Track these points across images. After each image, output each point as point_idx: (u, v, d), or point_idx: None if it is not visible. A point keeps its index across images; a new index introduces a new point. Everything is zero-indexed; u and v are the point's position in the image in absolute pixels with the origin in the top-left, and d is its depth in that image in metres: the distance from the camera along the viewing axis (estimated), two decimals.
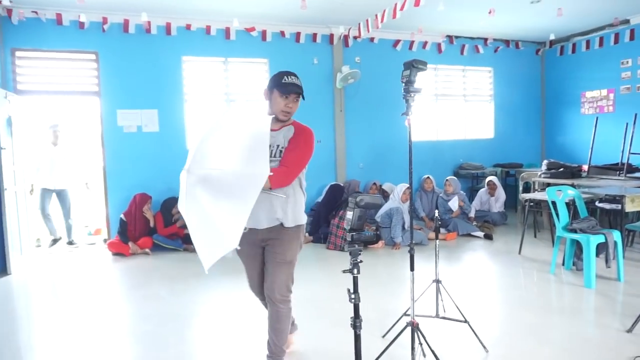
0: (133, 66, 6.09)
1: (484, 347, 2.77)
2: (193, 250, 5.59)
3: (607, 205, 4.63)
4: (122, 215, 5.71)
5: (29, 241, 5.54)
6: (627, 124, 5.89)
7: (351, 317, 1.50)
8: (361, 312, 3.35)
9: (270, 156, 2.13)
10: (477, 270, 4.64)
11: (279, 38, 6.75)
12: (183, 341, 3.09)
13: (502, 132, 8.36)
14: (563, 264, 4.46)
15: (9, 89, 5.42)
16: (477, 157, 7.97)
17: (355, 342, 1.50)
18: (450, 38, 7.72)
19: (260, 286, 2.46)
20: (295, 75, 2.25)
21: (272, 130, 2.11)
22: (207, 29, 6.35)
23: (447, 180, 6.49)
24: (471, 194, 7.55)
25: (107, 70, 5.99)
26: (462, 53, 7.84)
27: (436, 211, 3.11)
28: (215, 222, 1.89)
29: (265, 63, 6.77)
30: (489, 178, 6.74)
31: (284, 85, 2.19)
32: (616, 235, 3.97)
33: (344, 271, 1.50)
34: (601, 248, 4.00)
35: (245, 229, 1.91)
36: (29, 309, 3.89)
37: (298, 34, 6.82)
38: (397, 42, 7.34)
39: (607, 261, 3.93)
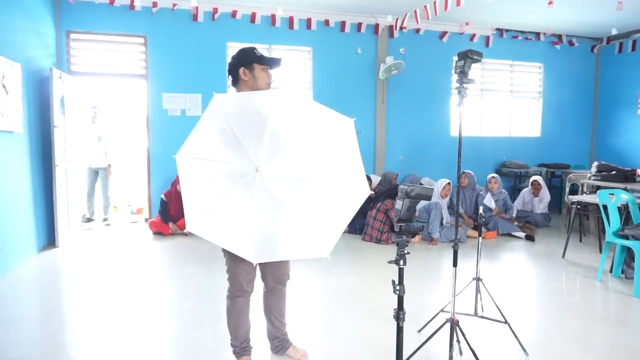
0: (179, 51, 6.22)
1: (524, 349, 2.68)
2: None
3: None
4: (162, 196, 5.87)
5: (77, 217, 5.79)
6: None
7: (394, 309, 1.48)
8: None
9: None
10: (518, 271, 4.49)
11: (323, 27, 6.71)
12: (218, 320, 3.15)
13: (549, 131, 8.03)
14: (611, 271, 4.26)
15: (63, 70, 5.65)
16: (521, 156, 7.71)
17: (398, 334, 1.47)
18: (500, 31, 7.45)
19: (254, 279, 2.36)
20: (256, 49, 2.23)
21: None
22: (252, 16, 6.38)
23: (492, 177, 6.31)
24: (512, 193, 7.33)
25: (154, 54, 6.14)
26: (512, 47, 7.56)
27: (480, 208, 3.02)
28: (304, 227, 1.80)
29: (308, 51, 6.75)
30: (533, 177, 6.50)
31: (263, 58, 2.15)
32: None
33: (390, 262, 1.47)
34: None
35: None
36: (75, 282, 4.07)
37: (343, 23, 6.75)
38: (444, 34, 7.15)
39: None
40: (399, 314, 1.46)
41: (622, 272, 4.16)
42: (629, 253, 4.07)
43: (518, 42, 7.57)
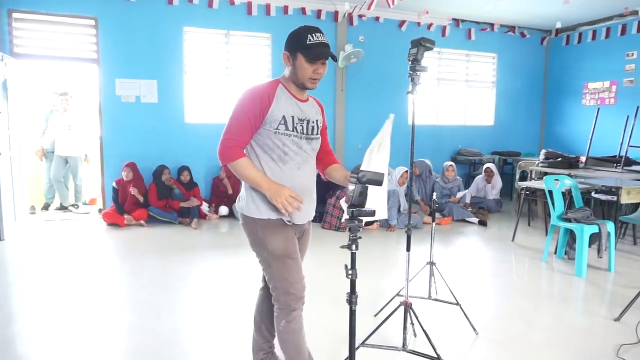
0: (133, 35, 5.98)
1: (474, 329, 2.81)
2: (188, 224, 5.61)
3: (602, 197, 4.66)
4: (114, 183, 5.71)
5: (23, 208, 5.53)
6: (627, 116, 5.88)
7: (347, 293, 1.51)
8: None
9: (309, 133, 1.90)
10: (471, 255, 4.68)
11: (283, 13, 6.63)
12: (175, 311, 3.11)
13: (502, 120, 8.33)
14: (555, 253, 4.51)
15: (5, 52, 5.32)
16: (475, 144, 7.97)
17: (350, 317, 1.51)
18: (456, 21, 7.61)
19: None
20: (320, 32, 1.80)
21: (301, 101, 1.89)
22: (210, 1, 6.22)
23: (450, 165, 6.49)
24: (468, 180, 7.57)
25: (106, 38, 5.88)
26: (468, 37, 7.75)
27: (434, 194, 3.11)
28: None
29: (267, 38, 6.66)
30: (486, 165, 6.74)
31: (310, 48, 1.75)
32: (610, 226, 4.00)
33: (342, 246, 1.50)
34: (594, 238, 4.03)
35: (289, 222, 1.87)
36: (22, 275, 3.89)
37: (302, 10, 6.70)
38: (403, 22, 7.24)
39: (599, 251, 3.97)
40: (352, 298, 1.49)
41: (566, 253, 4.40)
42: (571, 235, 4.32)
43: (474, 33, 7.77)
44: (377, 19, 7.10)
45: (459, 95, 8.05)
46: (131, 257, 4.38)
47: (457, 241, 5.21)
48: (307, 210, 1.93)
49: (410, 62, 2.26)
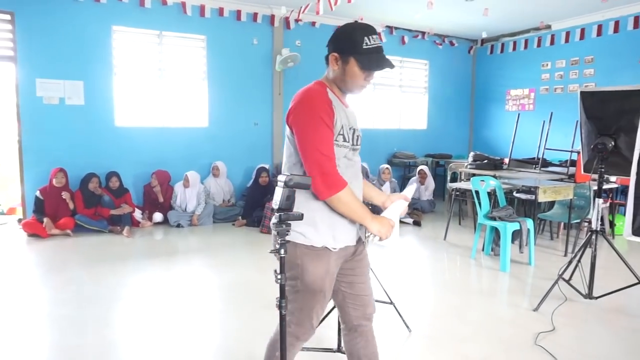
0: (56, 32, 5.62)
1: (408, 327, 2.90)
2: (119, 232, 5.34)
3: (523, 196, 5.00)
4: (37, 192, 5.32)
5: None
6: (544, 121, 6.36)
7: (276, 298, 1.50)
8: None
9: (355, 143, 1.67)
10: (405, 255, 4.83)
11: (218, 15, 6.52)
12: (105, 325, 2.95)
13: (434, 124, 8.71)
14: (483, 250, 4.77)
15: None
16: (410, 147, 8.26)
17: (281, 323, 1.50)
18: (390, 29, 7.87)
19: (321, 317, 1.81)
20: (376, 33, 1.60)
21: (346, 106, 1.67)
22: (141, 0, 5.99)
23: (386, 168, 6.68)
24: (403, 182, 7.83)
25: (25, 34, 5.47)
26: (402, 44, 8.03)
27: None
28: None
29: (202, 40, 6.52)
30: (420, 167, 7.01)
31: (367, 54, 1.55)
32: (529, 223, 4.29)
33: (271, 251, 1.49)
34: (516, 235, 4.31)
35: (334, 248, 1.62)
36: None
37: (238, 12, 6.62)
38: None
39: (520, 247, 4.25)
40: (282, 303, 1.49)
41: (492, 250, 4.67)
42: (496, 233, 4.59)
43: (406, 40, 8.06)
44: (313, 24, 7.18)
45: (394, 100, 8.32)
46: (54, 270, 4.09)
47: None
48: (356, 229, 1.71)
49: None
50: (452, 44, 8.60)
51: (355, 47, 1.54)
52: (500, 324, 3.07)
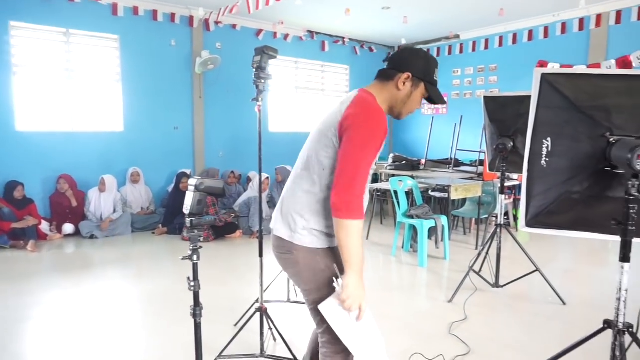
0: None
1: None
2: (23, 247, 4.89)
3: (438, 194, 5.30)
4: None
5: None
6: (455, 124, 6.79)
7: (190, 306, 1.46)
8: (216, 302, 3.29)
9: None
10: None
11: (132, 14, 6.21)
12: (4, 350, 2.68)
13: None
14: (402, 247, 4.98)
15: None
16: None
17: (196, 331, 1.46)
18: (311, 33, 7.98)
19: None
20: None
21: None
22: None
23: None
24: None
25: None
26: (322, 49, 8.17)
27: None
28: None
29: (115, 40, 6.17)
30: None
31: (436, 86, 1.63)
32: (444, 220, 4.56)
33: (184, 258, 1.45)
34: (432, 231, 4.56)
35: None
36: None
37: (154, 12, 6.35)
38: (260, 31, 7.33)
39: (436, 243, 4.50)
40: (195, 310, 1.45)
41: (411, 247, 4.90)
42: (415, 230, 4.82)
43: (327, 45, 8.23)
44: (234, 26, 7.08)
45: (317, 103, 8.44)
46: None
47: None
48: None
49: (254, 70, 2.29)
50: (371, 49, 8.91)
51: (429, 74, 1.57)
52: (419, 316, 3.22)
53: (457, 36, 8.03)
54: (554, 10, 6.59)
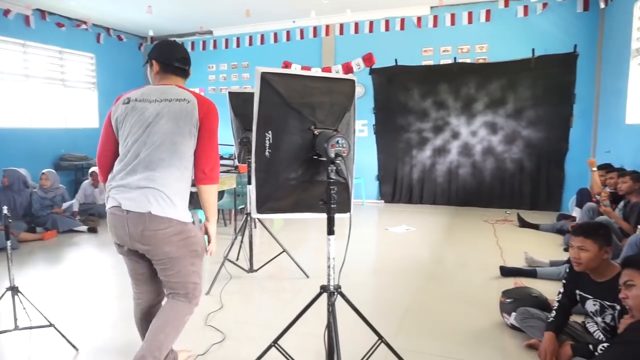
0: None
1: (74, 346, 2.62)
2: None
3: (193, 189, 5.29)
4: None
5: None
6: None
7: None
8: None
9: None
10: (78, 267, 4.36)
11: None
12: None
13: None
14: None
15: None
16: (81, 148, 7.47)
17: None
18: (42, 13, 6.84)
19: None
20: None
21: None
22: None
23: (42, 173, 5.77)
24: (76, 186, 7.04)
25: None
26: (59, 34, 7.11)
27: (4, 208, 2.67)
28: None
29: None
30: (92, 169, 6.46)
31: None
32: (200, 214, 4.58)
33: None
34: None
35: None
36: None
37: None
38: None
39: None
40: None
41: None
42: None
43: (66, 29, 7.20)
44: None
45: (56, 96, 7.33)
46: None
47: (64, 255, 4.75)
48: None
49: None
50: (120, 38, 8.22)
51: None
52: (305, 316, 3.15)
53: (210, 32, 8.14)
54: (293, 17, 7.36)
